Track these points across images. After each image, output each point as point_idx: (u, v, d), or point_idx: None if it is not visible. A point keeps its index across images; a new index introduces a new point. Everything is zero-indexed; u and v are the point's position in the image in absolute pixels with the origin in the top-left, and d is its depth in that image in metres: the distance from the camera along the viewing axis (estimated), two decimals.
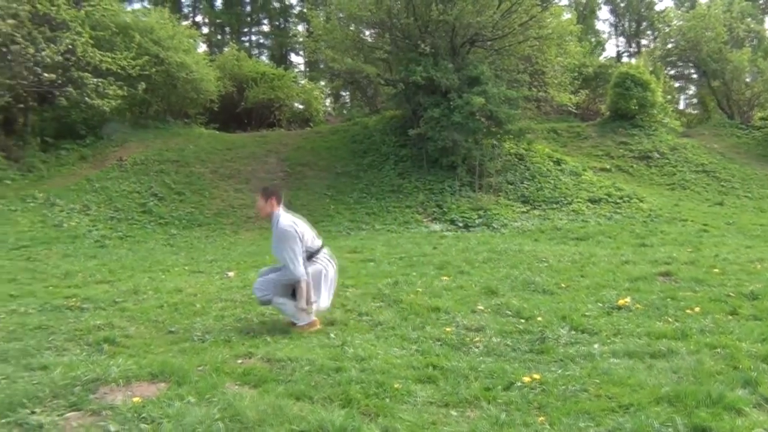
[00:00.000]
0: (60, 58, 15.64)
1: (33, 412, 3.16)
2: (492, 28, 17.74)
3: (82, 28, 16.17)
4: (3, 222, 12.58)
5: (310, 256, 5.14)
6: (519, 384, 3.59)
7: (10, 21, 14.75)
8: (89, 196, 15.13)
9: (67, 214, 13.86)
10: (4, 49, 15.30)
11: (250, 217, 15.08)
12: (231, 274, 8.03)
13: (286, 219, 5.11)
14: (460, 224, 14.18)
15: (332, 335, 4.77)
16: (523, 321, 5.22)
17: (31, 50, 15.25)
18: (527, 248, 9.77)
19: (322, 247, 5.33)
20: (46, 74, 15.52)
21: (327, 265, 5.30)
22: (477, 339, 4.62)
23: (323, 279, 5.19)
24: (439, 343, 4.55)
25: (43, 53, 15.27)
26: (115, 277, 8.11)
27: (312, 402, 3.31)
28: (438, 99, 16.89)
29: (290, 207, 16.48)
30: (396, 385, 3.52)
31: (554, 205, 15.64)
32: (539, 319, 5.22)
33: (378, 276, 7.48)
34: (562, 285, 6.75)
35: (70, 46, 15.80)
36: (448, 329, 4.88)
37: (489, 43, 18.72)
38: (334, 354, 4.20)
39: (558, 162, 18.39)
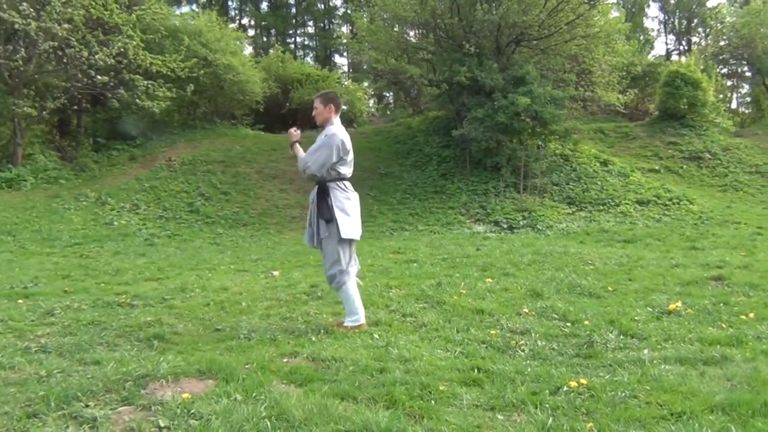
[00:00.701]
0: (112, 61, 16.12)
1: (87, 406, 3.24)
2: (538, 28, 17.54)
3: (134, 31, 16.63)
4: (58, 220, 13.02)
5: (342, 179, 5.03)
6: (566, 389, 3.52)
7: (66, 25, 15.27)
8: (139, 195, 15.52)
9: (117, 212, 14.27)
10: (60, 53, 15.86)
11: (294, 217, 15.24)
12: (276, 273, 8.12)
13: (341, 130, 5.03)
14: (504, 226, 14.05)
15: (376, 336, 4.77)
16: (569, 324, 5.13)
17: (85, 54, 15.76)
18: (573, 250, 9.61)
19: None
20: (99, 77, 16.01)
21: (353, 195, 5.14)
22: (522, 342, 4.56)
23: (356, 210, 5.07)
24: (484, 345, 4.51)
25: (97, 56, 15.75)
26: (163, 274, 8.29)
27: (357, 402, 3.32)
28: (482, 99, 16.77)
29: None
30: (441, 387, 3.50)
31: (601, 207, 15.36)
32: (586, 322, 5.13)
33: (421, 277, 7.46)
34: (609, 288, 6.62)
35: (122, 50, 16.26)
36: (492, 332, 4.84)
37: (535, 42, 18.51)
38: (378, 354, 4.20)
39: (605, 163, 18.06)
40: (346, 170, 5.08)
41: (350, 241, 5.01)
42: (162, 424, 3.03)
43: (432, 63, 20.21)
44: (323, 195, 4.93)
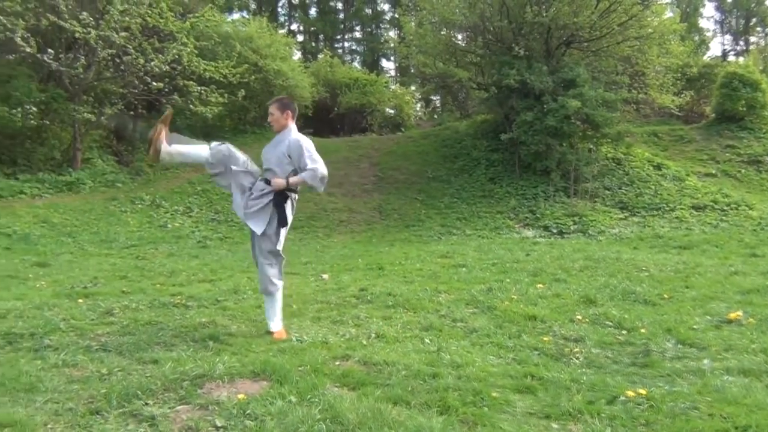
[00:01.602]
0: (167, 67, 16.55)
1: (146, 404, 3.33)
2: (589, 29, 17.25)
3: (188, 38, 17.04)
4: (115, 222, 13.43)
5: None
6: (623, 398, 3.44)
7: (123, 34, 15.75)
8: (191, 198, 15.88)
9: (171, 215, 14.63)
10: (118, 60, 16.36)
11: (342, 220, 15.35)
12: (325, 276, 8.18)
13: (301, 135, 4.97)
14: (554, 230, 13.84)
15: (427, 340, 4.75)
16: (624, 332, 5.02)
17: (141, 61, 16.22)
18: (626, 256, 9.40)
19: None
20: (154, 83, 16.46)
21: None
22: (576, 350, 4.48)
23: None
24: (537, 352, 4.45)
25: (152, 63, 16.20)
26: (216, 276, 8.44)
27: (410, 407, 3.31)
28: (531, 102, 16.58)
29: (381, 211, 16.71)
30: (494, 394, 3.46)
31: (655, 212, 14.98)
32: (642, 330, 5.00)
33: (470, 282, 7.41)
34: (665, 296, 6.45)
35: (176, 56, 16.68)
36: (545, 338, 4.77)
37: (586, 44, 18.22)
38: (429, 359, 4.18)
39: (659, 167, 17.61)
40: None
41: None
42: (219, 424, 3.09)
43: (480, 66, 20.09)
44: (283, 201, 4.92)
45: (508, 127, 17.30)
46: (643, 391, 3.51)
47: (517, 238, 13.22)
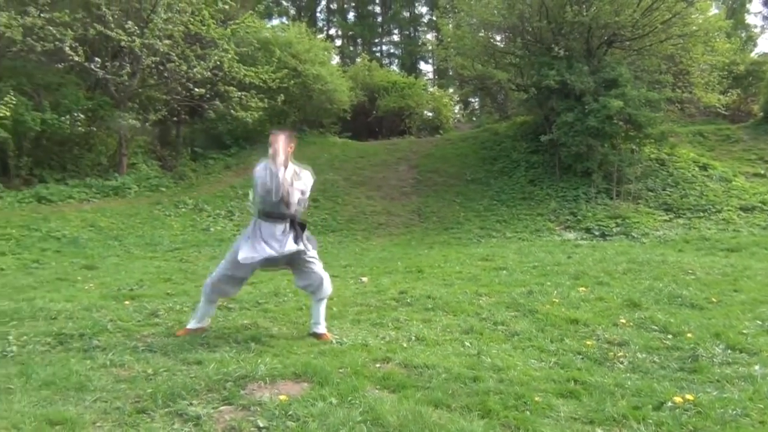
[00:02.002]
0: (209, 73, 16.84)
1: (191, 404, 3.39)
2: (631, 28, 16.93)
3: (229, 45, 17.30)
4: (159, 226, 13.71)
5: None
6: (670, 404, 3.37)
7: (167, 41, 16.08)
8: (233, 202, 16.11)
9: (213, 219, 14.87)
10: (161, 67, 16.72)
11: (381, 223, 15.37)
12: (365, 279, 8.21)
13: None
14: (596, 233, 13.61)
15: (467, 344, 4.73)
16: (670, 337, 4.91)
17: (184, 67, 16.54)
18: (671, 259, 9.18)
19: None
20: (196, 89, 16.76)
21: None
22: (621, 354, 4.40)
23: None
24: (580, 356, 4.38)
25: (194, 70, 16.50)
26: (256, 278, 8.52)
27: (450, 410, 3.30)
28: (572, 103, 16.34)
29: (420, 214, 16.67)
30: (536, 398, 3.43)
31: (701, 214, 14.59)
32: (689, 335, 4.89)
33: (511, 285, 7.34)
34: (713, 299, 6.29)
35: (217, 63, 16.96)
36: (588, 342, 4.69)
37: (628, 43, 17.87)
38: (470, 363, 4.16)
39: (704, 167, 17.16)
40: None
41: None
42: (261, 425, 3.13)
43: (519, 67, 19.89)
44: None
45: (548, 128, 17.09)
46: (691, 397, 3.43)
47: (558, 240, 13.04)
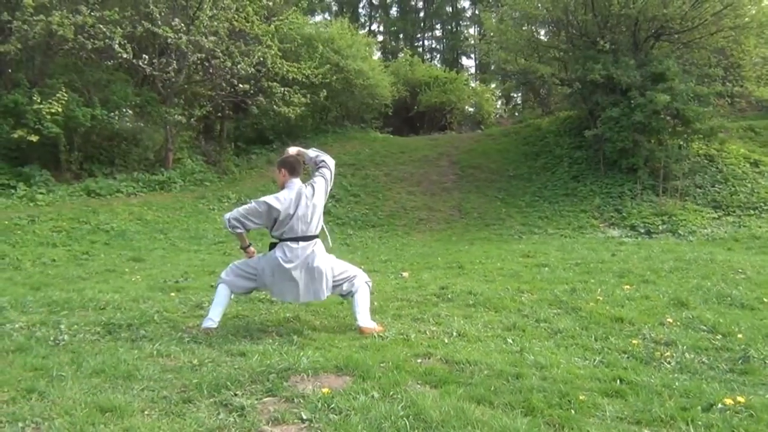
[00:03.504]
0: (252, 69, 17.03)
1: (236, 395, 3.44)
2: (680, 20, 16.49)
3: (272, 41, 17.47)
4: (203, 220, 13.96)
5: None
6: (720, 406, 3.28)
7: (212, 38, 16.32)
8: None
9: None
10: (206, 64, 16.99)
11: (421, 219, 15.35)
12: (405, 274, 8.21)
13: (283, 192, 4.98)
14: (642, 230, 13.33)
15: (510, 340, 4.69)
16: (719, 337, 4.78)
17: (229, 64, 16.77)
18: (720, 258, 8.93)
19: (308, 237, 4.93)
20: (240, 85, 16.97)
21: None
22: (668, 354, 4.30)
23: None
24: (626, 355, 4.30)
25: (239, 66, 16.71)
26: None
27: (493, 407, 3.27)
28: (617, 98, 16.03)
29: (461, 209, 16.55)
30: (581, 397, 3.37)
31: (751, 212, 14.15)
32: (739, 336, 4.75)
33: (553, 282, 7.25)
34: (765, 299, 6.10)
35: (261, 59, 17.14)
36: (634, 341, 4.60)
37: (676, 36, 17.43)
38: (512, 360, 4.12)
39: (756, 163, 16.61)
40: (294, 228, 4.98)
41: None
42: (304, 416, 3.16)
43: (563, 61, 19.61)
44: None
45: (592, 123, 16.81)
46: (742, 399, 3.33)
47: (602, 237, 12.82)
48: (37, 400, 3.34)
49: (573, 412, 3.21)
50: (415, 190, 17.26)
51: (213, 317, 4.98)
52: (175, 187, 16.34)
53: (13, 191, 13.76)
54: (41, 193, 13.91)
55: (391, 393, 3.40)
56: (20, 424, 3.04)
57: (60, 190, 14.37)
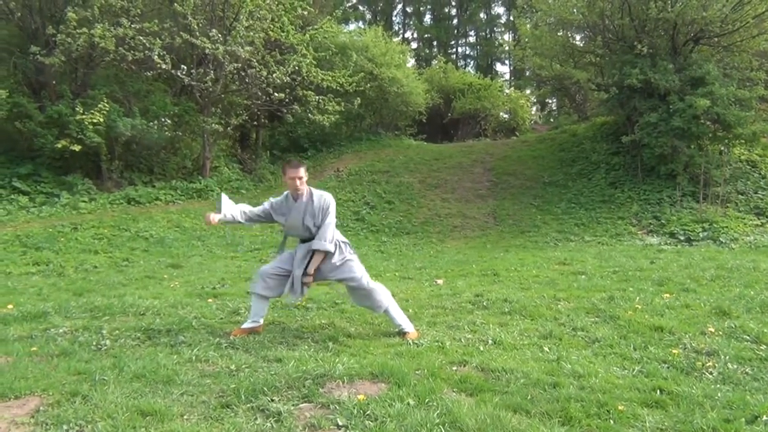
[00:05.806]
0: (288, 78, 17.25)
1: (272, 400, 3.49)
2: (720, 23, 16.13)
3: (307, 50, 17.68)
4: (240, 227, 14.11)
5: None
6: (765, 419, 3.19)
7: (248, 48, 16.59)
8: None
9: None
10: (243, 73, 17.26)
11: (456, 226, 15.30)
12: (440, 281, 8.19)
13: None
14: (681, 238, 13.05)
15: (546, 349, 4.64)
16: (764, 347, 4.65)
17: (264, 73, 17.02)
18: (764, 266, 8.69)
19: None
20: (276, 94, 17.20)
21: None
22: (709, 364, 4.20)
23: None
24: (666, 365, 4.21)
25: (274, 75, 16.95)
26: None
27: (530, 416, 3.25)
28: (655, 103, 15.76)
29: (496, 216, 16.43)
30: (620, 407, 3.32)
31: None
32: None
33: (590, 290, 7.14)
34: None
35: (296, 68, 17.36)
36: (674, 351, 4.51)
37: (716, 39, 17.05)
38: (549, 368, 4.08)
39: None
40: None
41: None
42: (340, 423, 3.18)
43: (600, 66, 19.36)
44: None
45: (629, 129, 16.55)
46: None
47: (640, 245, 12.59)
48: (81, 404, 3.44)
49: (611, 422, 3.16)
50: (450, 197, 17.21)
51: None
52: (212, 195, 16.60)
53: (56, 199, 14.17)
54: (83, 201, 14.28)
55: (427, 400, 3.40)
56: (65, 427, 3.13)
57: (101, 198, 14.73)
